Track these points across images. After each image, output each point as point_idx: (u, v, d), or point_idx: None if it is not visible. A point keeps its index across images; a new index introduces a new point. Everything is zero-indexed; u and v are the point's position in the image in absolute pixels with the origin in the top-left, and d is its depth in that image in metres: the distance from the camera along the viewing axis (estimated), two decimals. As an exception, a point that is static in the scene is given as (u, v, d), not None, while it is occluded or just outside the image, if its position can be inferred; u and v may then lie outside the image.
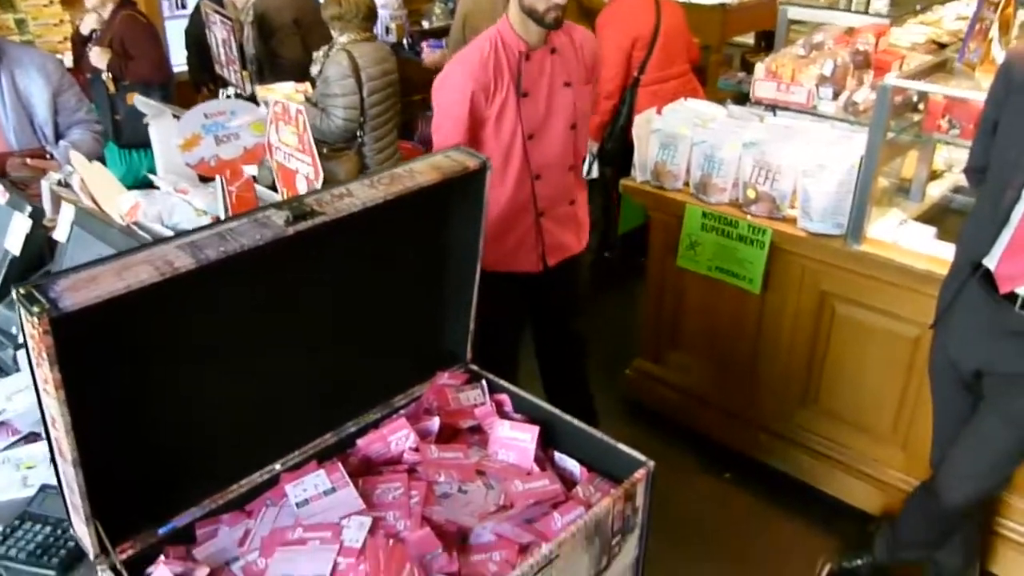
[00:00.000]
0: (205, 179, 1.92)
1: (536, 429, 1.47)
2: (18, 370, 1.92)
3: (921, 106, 2.67)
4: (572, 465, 1.47)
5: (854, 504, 2.84)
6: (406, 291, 1.51)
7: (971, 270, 2.05)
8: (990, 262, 2.00)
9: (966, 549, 2.37)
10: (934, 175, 2.94)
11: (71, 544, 1.68)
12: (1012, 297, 1.97)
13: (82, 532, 1.24)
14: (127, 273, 1.08)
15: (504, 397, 1.57)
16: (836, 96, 2.83)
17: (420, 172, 1.33)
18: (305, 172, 1.66)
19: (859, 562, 2.55)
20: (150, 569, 1.23)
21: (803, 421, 2.90)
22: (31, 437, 1.83)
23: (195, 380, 1.29)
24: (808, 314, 2.75)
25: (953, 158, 3.02)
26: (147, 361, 1.22)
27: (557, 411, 1.50)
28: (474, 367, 1.62)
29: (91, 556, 1.23)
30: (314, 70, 3.68)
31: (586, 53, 2.42)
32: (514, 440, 1.47)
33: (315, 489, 1.36)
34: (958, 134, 2.56)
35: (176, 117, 2.17)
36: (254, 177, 1.76)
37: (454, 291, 1.55)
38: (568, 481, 1.45)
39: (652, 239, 3.09)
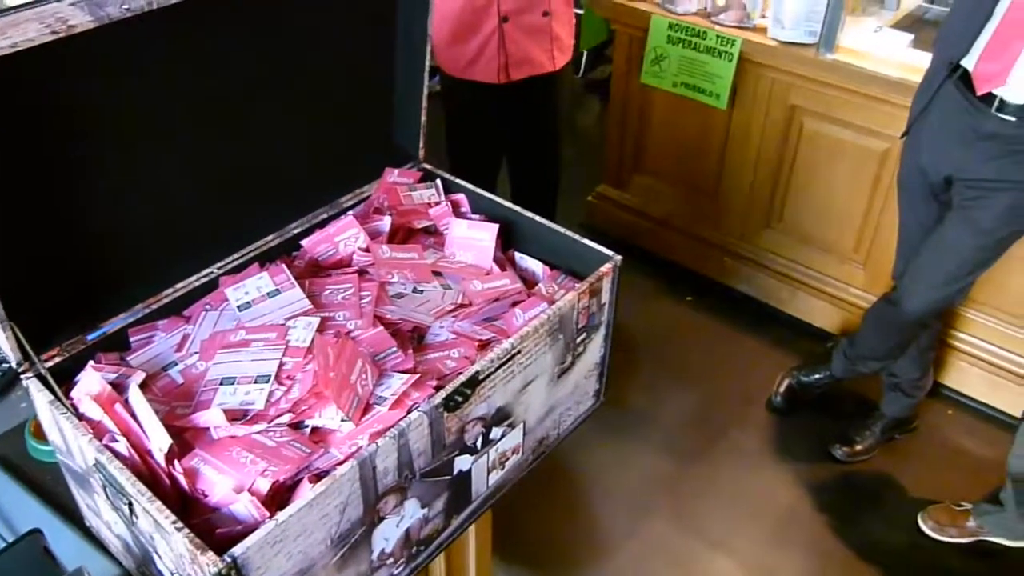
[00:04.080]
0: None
1: (495, 227, 1.37)
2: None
3: (903, -98, 2.49)
4: (534, 264, 1.39)
5: (815, 324, 2.86)
6: (347, 76, 1.36)
7: (948, 72, 1.96)
8: (968, 62, 1.91)
9: (922, 361, 2.39)
10: (911, -18, 2.78)
11: (5, 366, 1.59)
12: (989, 99, 1.89)
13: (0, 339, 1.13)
14: (13, 31, 0.92)
15: (461, 197, 1.46)
16: None
17: (357, -71, 1.16)
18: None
19: (816, 376, 2.58)
20: (79, 376, 1.14)
21: (767, 243, 2.85)
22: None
23: (112, 166, 1.15)
24: (776, 131, 2.65)
25: (931, -35, 2.85)
26: (54, 138, 1.07)
27: (518, 208, 1.40)
28: (428, 166, 1.50)
29: (14, 364, 1.13)
30: None
31: None
32: (472, 240, 1.37)
33: (257, 291, 1.26)
34: (941, -70, 2.40)
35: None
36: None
37: (402, 80, 1.41)
38: (530, 282, 1.37)
39: (615, 55, 2.92)
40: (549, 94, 2.45)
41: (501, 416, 1.21)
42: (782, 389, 2.62)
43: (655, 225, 3.06)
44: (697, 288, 3.00)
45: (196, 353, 1.20)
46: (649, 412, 2.60)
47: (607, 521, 2.32)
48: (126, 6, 0.98)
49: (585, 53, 4.06)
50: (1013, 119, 1.87)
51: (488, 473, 1.26)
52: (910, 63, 2.36)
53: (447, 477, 1.17)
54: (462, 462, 1.19)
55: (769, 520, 2.32)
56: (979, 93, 1.90)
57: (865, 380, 2.52)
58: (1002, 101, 1.87)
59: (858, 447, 2.47)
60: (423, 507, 1.16)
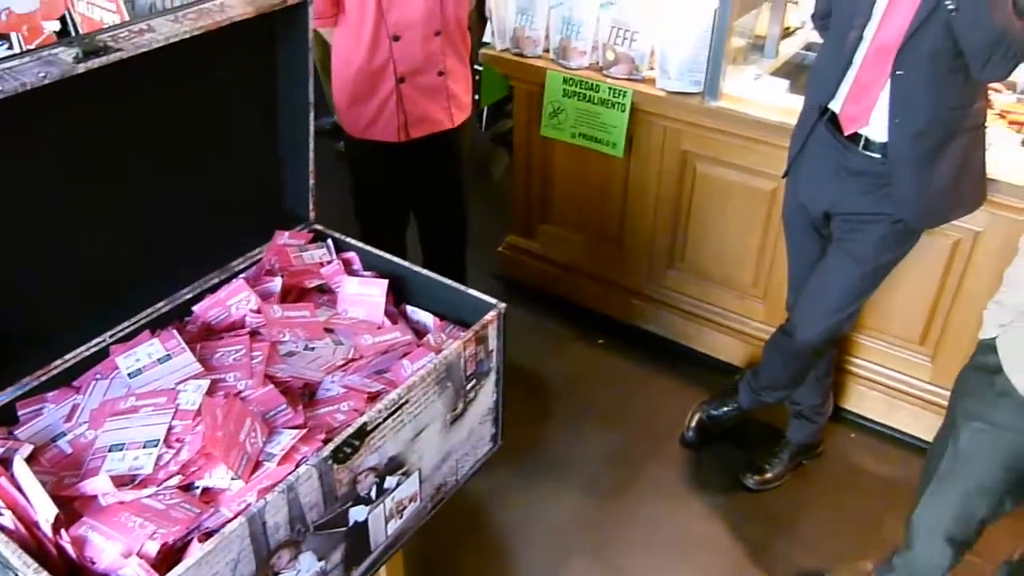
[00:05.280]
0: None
1: (385, 283, 1.42)
2: None
3: (772, -41, 2.67)
4: (425, 317, 1.44)
5: (722, 358, 2.96)
6: (233, 143, 1.41)
7: (818, 114, 2.10)
8: (835, 105, 2.04)
9: (821, 387, 2.50)
10: (787, 32, 2.96)
11: None
12: (856, 138, 2.03)
13: None
14: None
15: (352, 255, 1.51)
16: (690, -49, 2.78)
17: (231, 6, 1.22)
18: (111, 21, 1.51)
19: (725, 409, 2.66)
20: (-36, 453, 1.14)
21: (671, 282, 2.96)
22: None
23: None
24: (671, 175, 2.77)
25: (806, 16, 3.04)
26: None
27: (407, 263, 1.45)
28: (319, 227, 1.55)
29: None
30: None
31: None
32: (363, 296, 1.42)
33: (148, 358, 1.28)
34: (807, -16, 2.58)
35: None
36: (56, 33, 1.59)
37: (287, 143, 1.46)
38: (422, 333, 1.42)
39: (516, 110, 3.03)
40: (450, 150, 2.52)
41: (394, 465, 1.25)
42: (694, 423, 2.70)
43: (564, 272, 3.15)
44: (608, 331, 3.08)
45: (86, 422, 1.21)
46: (566, 455, 2.65)
47: (530, 566, 2.34)
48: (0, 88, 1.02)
49: (486, 109, 4.18)
50: (878, 156, 2.01)
51: (386, 522, 1.29)
52: (788, 107, 2.50)
53: (342, 529, 1.20)
54: (357, 513, 1.21)
55: (688, 552, 2.37)
56: (846, 133, 2.04)
57: (771, 410, 2.62)
58: (867, 140, 2.01)
59: (768, 475, 2.56)
60: (320, 560, 1.18)
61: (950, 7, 1.75)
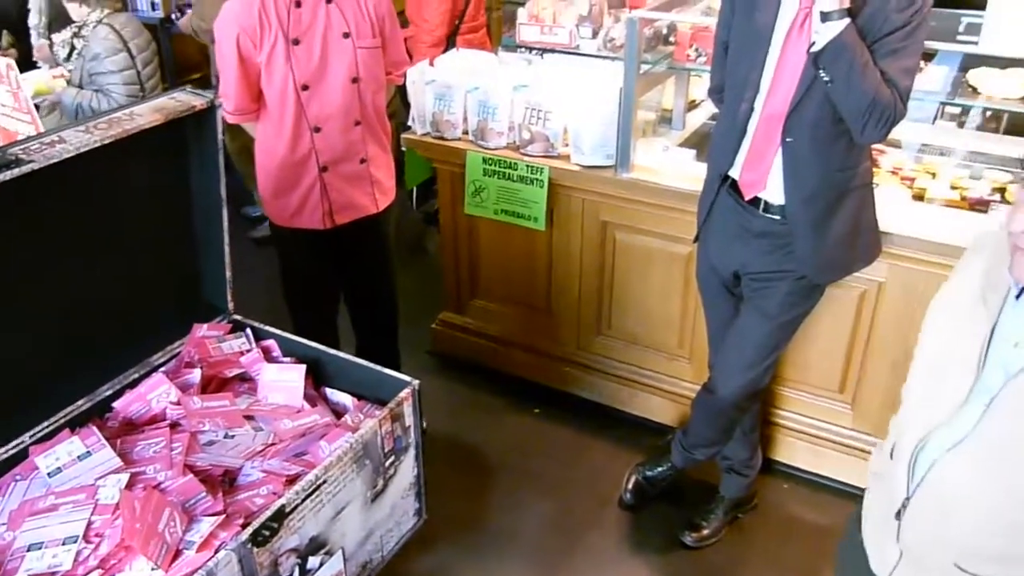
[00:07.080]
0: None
1: (303, 368, 1.47)
2: None
3: (672, 38, 2.84)
4: (344, 398, 1.48)
5: (656, 419, 3.03)
6: (149, 241, 1.46)
7: (720, 181, 2.22)
8: (735, 172, 2.17)
9: (749, 441, 2.58)
10: (692, 104, 3.13)
11: None
12: (756, 202, 2.15)
13: None
14: None
15: (271, 343, 1.56)
16: (595, 34, 2.96)
17: (140, 114, 1.29)
18: (26, 132, 1.56)
19: (660, 469, 2.72)
20: None
21: (601, 348, 3.04)
22: None
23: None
24: (592, 245, 2.88)
25: (711, 88, 3.23)
26: None
27: (324, 348, 1.50)
28: (238, 317, 1.59)
29: None
30: (62, 53, 3.45)
31: (371, 7, 2.37)
32: (282, 382, 1.46)
33: (68, 456, 1.30)
34: (704, 61, 2.75)
35: None
36: (-28, 146, 1.63)
37: (202, 240, 1.52)
38: (341, 414, 1.46)
39: (440, 190, 3.13)
40: (376, 234, 2.60)
41: (316, 545, 1.28)
42: (630, 486, 2.74)
43: (497, 344, 3.22)
44: (544, 400, 3.14)
45: (4, 524, 1.22)
46: (508, 526, 2.67)
47: (475, 642, 2.34)
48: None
49: (415, 188, 4.28)
50: (778, 217, 2.13)
51: (312, 603, 1.31)
52: (697, 175, 2.63)
53: (266, 612, 1.22)
54: (281, 595, 1.24)
55: (631, 614, 2.39)
56: (747, 198, 2.16)
57: (705, 467, 2.68)
58: (767, 203, 2.14)
59: (705, 531, 2.60)
60: (245, 645, 1.19)
61: (826, 79, 1.90)
